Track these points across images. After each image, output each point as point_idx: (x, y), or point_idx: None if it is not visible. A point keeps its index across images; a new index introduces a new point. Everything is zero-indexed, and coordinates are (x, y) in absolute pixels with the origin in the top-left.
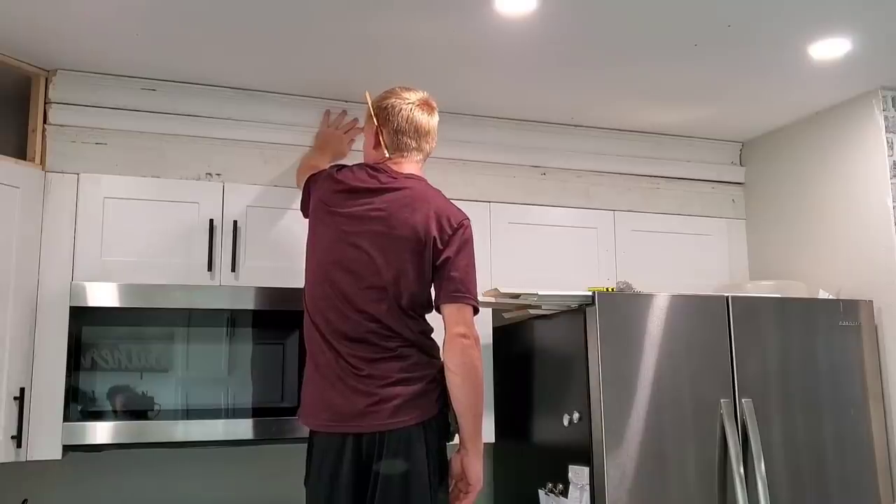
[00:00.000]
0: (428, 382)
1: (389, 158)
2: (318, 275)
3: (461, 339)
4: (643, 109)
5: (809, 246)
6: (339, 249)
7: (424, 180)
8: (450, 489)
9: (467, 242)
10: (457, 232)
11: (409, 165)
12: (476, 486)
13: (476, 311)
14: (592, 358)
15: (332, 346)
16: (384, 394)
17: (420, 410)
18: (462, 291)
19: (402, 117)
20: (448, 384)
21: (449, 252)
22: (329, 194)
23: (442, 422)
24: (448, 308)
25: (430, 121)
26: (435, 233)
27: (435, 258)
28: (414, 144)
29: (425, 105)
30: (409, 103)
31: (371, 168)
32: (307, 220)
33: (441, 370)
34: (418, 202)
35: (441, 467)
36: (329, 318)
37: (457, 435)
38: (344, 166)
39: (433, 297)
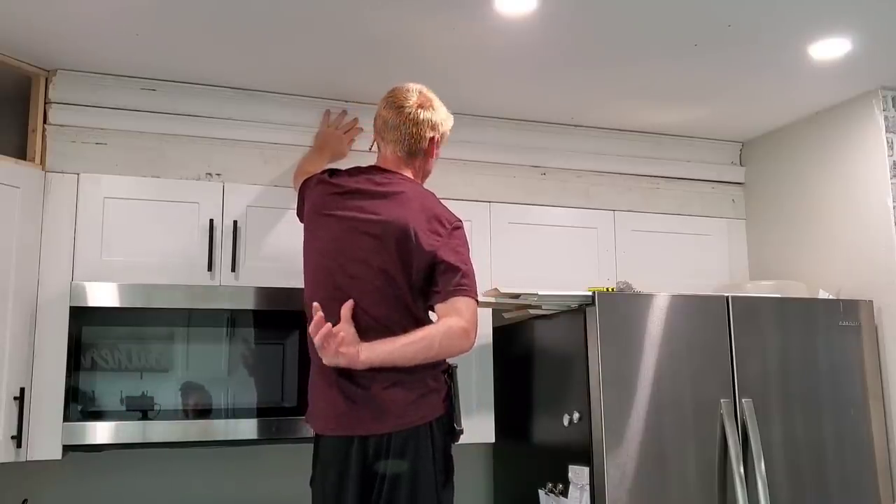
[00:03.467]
0: (433, 382)
1: (378, 158)
2: (315, 278)
3: (460, 329)
4: (643, 109)
5: (809, 246)
6: (335, 252)
7: (417, 183)
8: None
9: (462, 242)
10: (452, 233)
11: (397, 163)
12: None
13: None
14: (592, 358)
15: None
16: (388, 396)
17: (426, 411)
18: (461, 285)
19: (376, 116)
20: (429, 329)
21: (442, 253)
22: (323, 197)
23: (448, 422)
24: (445, 305)
25: (401, 111)
26: (427, 234)
27: (428, 259)
28: (391, 137)
29: (398, 97)
30: (382, 99)
31: (365, 170)
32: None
33: (446, 370)
34: (411, 204)
35: (447, 467)
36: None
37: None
38: (337, 170)
39: (429, 298)
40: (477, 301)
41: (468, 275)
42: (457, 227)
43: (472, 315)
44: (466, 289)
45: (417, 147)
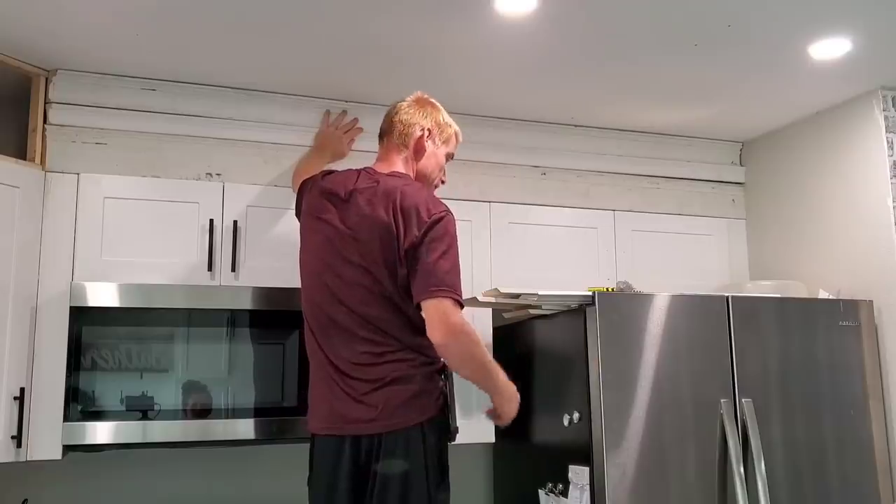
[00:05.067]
0: (426, 382)
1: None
2: (309, 279)
3: (441, 341)
4: (643, 109)
5: (809, 246)
6: (325, 253)
7: (405, 176)
8: (491, 413)
9: (442, 236)
10: (432, 227)
11: (389, 158)
12: (503, 419)
13: (460, 304)
14: (592, 358)
15: (327, 350)
16: (381, 395)
17: (418, 411)
18: (433, 285)
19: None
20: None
21: (419, 247)
22: (315, 199)
23: (442, 421)
24: (424, 305)
25: (395, 105)
26: (406, 230)
27: (405, 254)
28: (385, 131)
29: (400, 100)
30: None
31: (358, 171)
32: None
33: (440, 370)
34: (389, 197)
35: (441, 467)
36: (322, 322)
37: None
38: (332, 171)
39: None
40: (452, 298)
41: (441, 268)
42: (437, 218)
43: (439, 315)
44: (434, 290)
45: (406, 135)
